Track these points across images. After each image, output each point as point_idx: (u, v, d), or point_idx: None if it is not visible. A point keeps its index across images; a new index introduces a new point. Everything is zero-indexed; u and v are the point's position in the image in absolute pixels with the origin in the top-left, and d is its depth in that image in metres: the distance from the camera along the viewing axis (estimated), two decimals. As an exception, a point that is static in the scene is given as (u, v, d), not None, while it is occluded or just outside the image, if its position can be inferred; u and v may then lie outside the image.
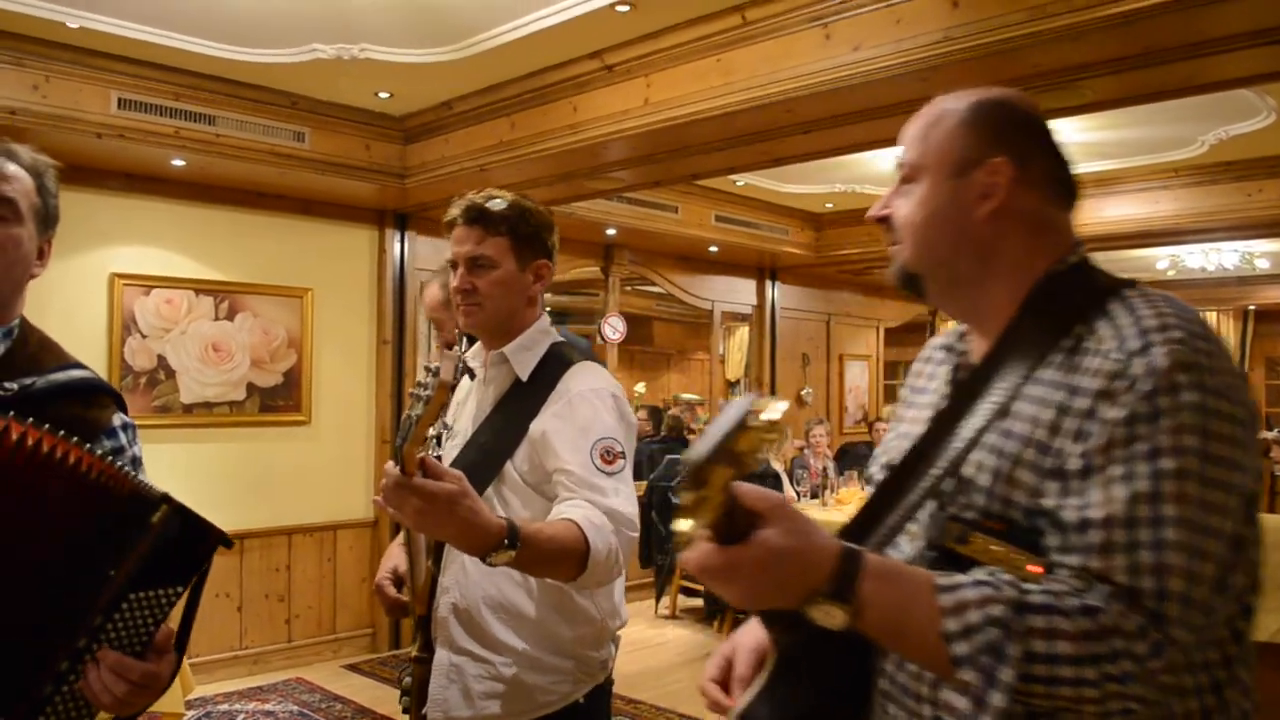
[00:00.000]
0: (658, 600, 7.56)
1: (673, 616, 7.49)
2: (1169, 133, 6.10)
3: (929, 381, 1.43)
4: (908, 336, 12.28)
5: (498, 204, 2.03)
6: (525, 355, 2.06)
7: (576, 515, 1.76)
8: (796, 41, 3.94)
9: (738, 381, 11.33)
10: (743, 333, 10.19)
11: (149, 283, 5.56)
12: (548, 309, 2.21)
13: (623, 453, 1.92)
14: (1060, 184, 1.28)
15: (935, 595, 1.04)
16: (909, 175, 1.30)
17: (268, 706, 5.36)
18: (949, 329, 1.48)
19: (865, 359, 10.65)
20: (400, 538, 2.15)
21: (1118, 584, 1.02)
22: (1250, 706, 1.15)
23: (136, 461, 1.58)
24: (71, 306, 5.26)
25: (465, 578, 1.98)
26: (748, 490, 1.01)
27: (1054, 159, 1.28)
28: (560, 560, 1.72)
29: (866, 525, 1.27)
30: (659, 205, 7.29)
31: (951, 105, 1.29)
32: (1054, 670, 1.00)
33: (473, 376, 2.17)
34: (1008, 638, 1.00)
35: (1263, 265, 10.08)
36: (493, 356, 2.10)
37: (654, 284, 8.82)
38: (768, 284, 9.32)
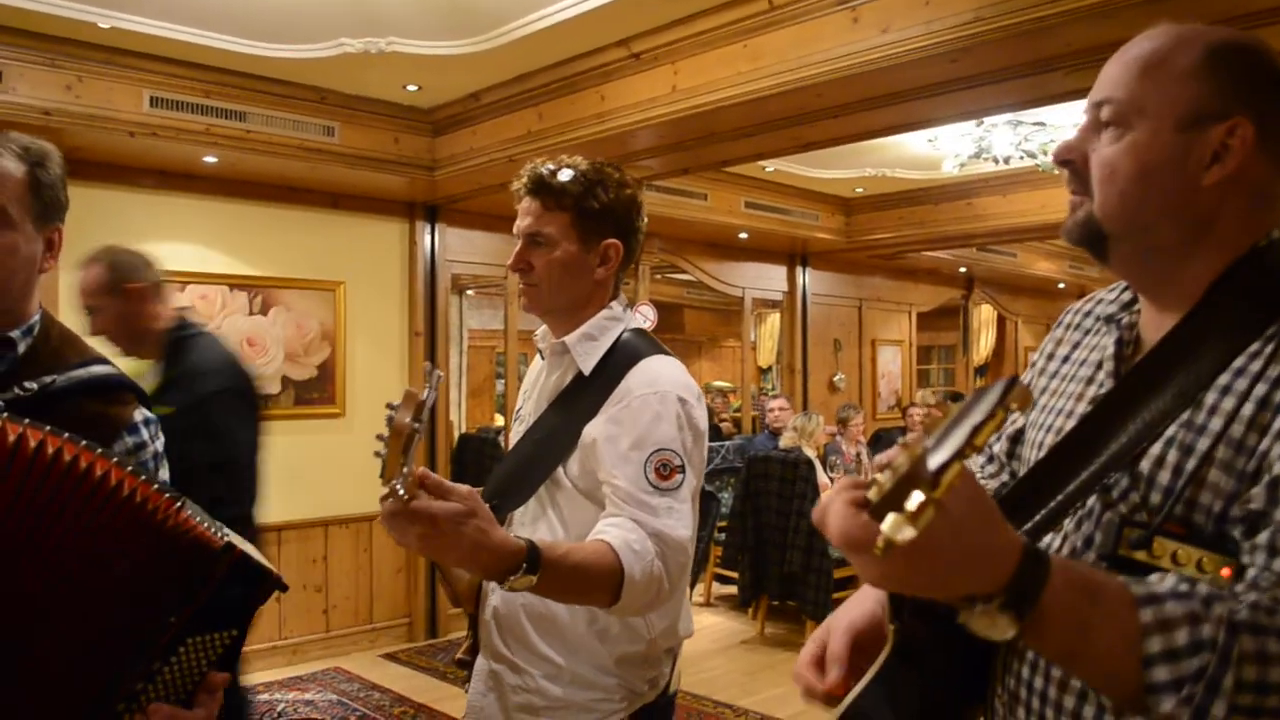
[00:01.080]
0: (691, 587, 7.52)
1: (707, 604, 7.50)
2: (1205, 110, 6.00)
3: (1079, 352, 1.27)
4: (940, 321, 12.20)
5: (565, 175, 1.84)
6: (588, 346, 1.86)
7: (614, 538, 1.61)
8: (824, 25, 3.90)
9: (769, 368, 11.31)
10: (774, 319, 10.17)
11: (183, 279, 5.61)
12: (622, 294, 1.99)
13: (681, 466, 1.72)
14: None
15: (1134, 607, 0.88)
16: (1117, 117, 1.11)
17: (307, 696, 5.43)
18: (1100, 292, 1.31)
19: (898, 344, 10.60)
20: None
21: None
22: None
23: (159, 456, 1.58)
24: (108, 303, 5.31)
25: None
26: None
27: None
28: (589, 588, 1.58)
29: (1013, 514, 1.08)
30: (688, 193, 7.27)
31: (1179, 43, 1.10)
32: (1262, 701, 0.86)
33: (544, 357, 2.00)
34: (1223, 664, 0.86)
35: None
36: (554, 345, 1.92)
37: (684, 272, 8.81)
38: (798, 270, 9.27)
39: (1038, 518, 1.10)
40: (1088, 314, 1.30)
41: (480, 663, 1.90)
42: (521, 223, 1.87)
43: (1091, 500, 1.09)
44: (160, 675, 1.32)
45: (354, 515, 6.24)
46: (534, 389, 2.01)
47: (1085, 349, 1.26)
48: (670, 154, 5.30)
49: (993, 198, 7.81)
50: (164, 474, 1.57)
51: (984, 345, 12.78)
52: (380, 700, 5.38)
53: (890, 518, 0.73)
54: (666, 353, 1.89)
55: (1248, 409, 0.99)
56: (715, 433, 9.54)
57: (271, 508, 5.72)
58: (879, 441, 9.19)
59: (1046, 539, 1.12)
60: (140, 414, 1.57)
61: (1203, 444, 1.01)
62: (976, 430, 0.74)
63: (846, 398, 9.48)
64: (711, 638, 6.65)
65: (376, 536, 6.36)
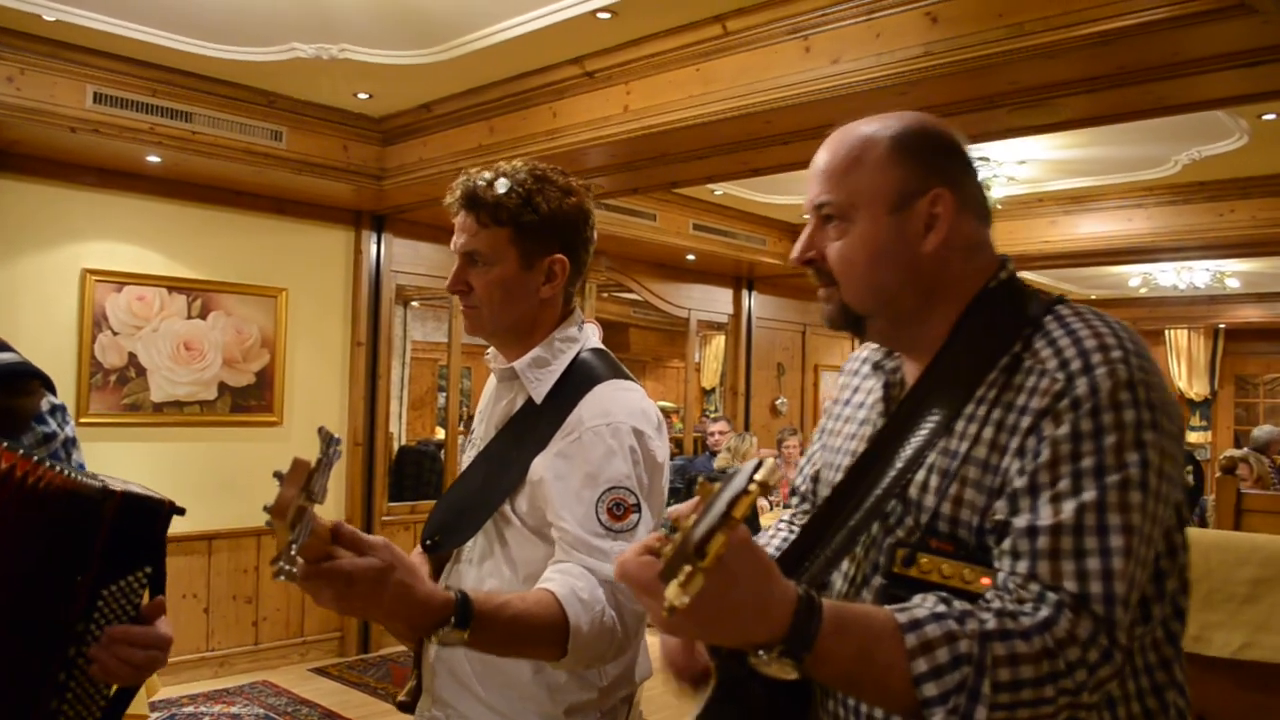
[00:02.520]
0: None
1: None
2: (1143, 152, 6.17)
3: (857, 396, 1.43)
4: (882, 348, 12.32)
5: (500, 186, 1.67)
6: (539, 372, 1.72)
7: (559, 586, 1.48)
8: (776, 53, 3.95)
9: (713, 390, 11.35)
10: (719, 341, 10.22)
11: (121, 279, 5.51)
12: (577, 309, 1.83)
13: (636, 504, 1.59)
14: (982, 203, 1.29)
15: (899, 635, 1.01)
16: (838, 214, 1.25)
17: (233, 709, 5.31)
18: (871, 347, 1.46)
19: (839, 370, 10.68)
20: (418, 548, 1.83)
21: (1067, 591, 1.04)
22: (1185, 704, 1.19)
23: (70, 443, 1.54)
24: (42, 301, 5.20)
25: None
26: None
27: (975, 179, 1.28)
28: (531, 642, 1.45)
29: (807, 549, 1.24)
30: (637, 212, 7.29)
31: (870, 136, 1.25)
32: (1017, 695, 1.00)
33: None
34: (979, 674, 0.99)
35: (1233, 284, 10.21)
36: (503, 370, 1.78)
37: (631, 291, 8.82)
38: (744, 293, 9.33)
39: (831, 548, 1.23)
40: (864, 361, 1.47)
41: (421, 707, 1.78)
42: (457, 240, 1.72)
43: (875, 527, 1.22)
44: (90, 633, 1.31)
45: (288, 525, 6.14)
46: (487, 412, 1.87)
47: (861, 393, 1.43)
48: (621, 173, 5.32)
49: (936, 229, 7.93)
50: (78, 458, 1.54)
51: (924, 374, 12.92)
52: (309, 715, 5.29)
53: (671, 585, 0.83)
54: (626, 375, 1.76)
55: (988, 432, 1.15)
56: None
57: (204, 515, 5.65)
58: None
59: (844, 565, 1.26)
60: (47, 402, 1.53)
61: (956, 466, 1.16)
62: (732, 504, 0.84)
63: (789, 421, 9.54)
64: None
65: (310, 548, 6.27)
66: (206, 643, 5.86)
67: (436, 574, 1.80)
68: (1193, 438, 12.84)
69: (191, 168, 5.39)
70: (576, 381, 1.70)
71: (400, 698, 1.83)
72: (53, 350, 5.15)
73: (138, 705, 3.86)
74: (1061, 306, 1.20)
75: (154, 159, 5.20)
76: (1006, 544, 1.09)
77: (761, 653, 0.97)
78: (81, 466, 1.51)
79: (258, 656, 6.06)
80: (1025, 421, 1.11)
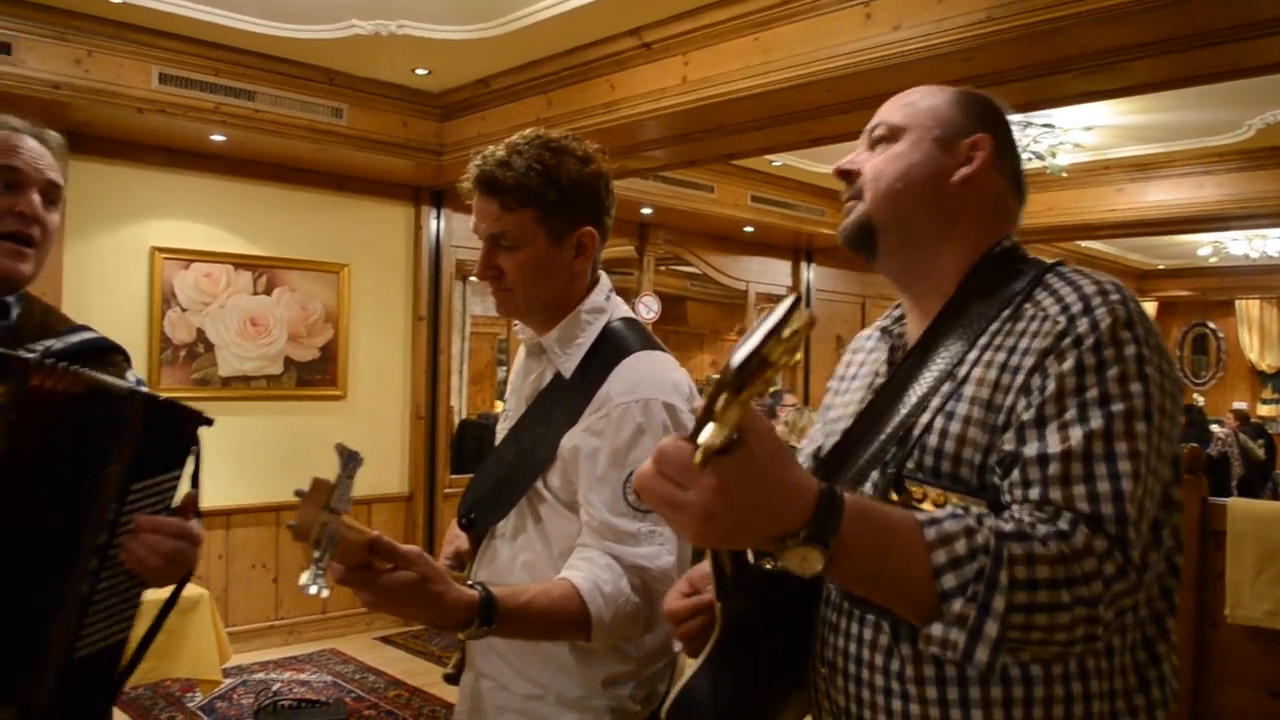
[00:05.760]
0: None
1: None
2: (1214, 116, 5.99)
3: (865, 368, 1.45)
4: (944, 320, 12.18)
5: (517, 164, 1.63)
6: (568, 346, 1.70)
7: (582, 579, 1.50)
8: (836, 20, 3.90)
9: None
10: (777, 314, 10.15)
11: (189, 257, 5.62)
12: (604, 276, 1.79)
13: None
14: (1018, 182, 1.36)
15: (918, 529, 1.03)
16: (887, 135, 1.34)
17: (303, 676, 5.44)
18: (877, 320, 1.51)
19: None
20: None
21: (1080, 511, 1.06)
22: (1176, 660, 1.22)
23: None
24: (112, 279, 5.33)
25: None
26: None
27: (1017, 160, 1.37)
28: (555, 634, 1.53)
29: None
30: (695, 185, 7.26)
31: (934, 90, 1.37)
32: (1033, 596, 1.01)
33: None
34: (996, 564, 1.01)
35: (1308, 252, 9.92)
36: (530, 345, 1.77)
37: (689, 264, 8.80)
38: (803, 265, 9.27)
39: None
40: (869, 336, 1.51)
41: (465, 679, 1.79)
42: (480, 225, 1.69)
43: (874, 473, 1.24)
44: (120, 523, 1.40)
45: (354, 498, 6.21)
46: (517, 385, 1.85)
47: (868, 364, 1.45)
48: (678, 145, 5.29)
49: (1000, 198, 7.80)
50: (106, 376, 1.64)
51: (986, 345, 12.75)
52: (375, 683, 5.40)
53: (707, 428, 0.86)
54: (656, 345, 1.73)
55: (991, 374, 1.18)
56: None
57: (272, 487, 5.76)
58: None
59: None
60: (131, 375, 1.61)
61: (961, 408, 1.18)
62: (773, 332, 0.83)
63: (847, 394, 9.47)
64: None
65: (376, 519, 6.38)
66: (275, 611, 6.00)
67: (474, 549, 1.81)
68: (1264, 410, 12.54)
69: (255, 146, 5.47)
70: (605, 354, 1.67)
71: (449, 670, 1.85)
72: (124, 327, 5.26)
73: (211, 670, 3.98)
74: (1061, 266, 1.26)
75: (218, 138, 5.29)
76: (1016, 474, 1.11)
77: (788, 541, 0.97)
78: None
79: (326, 625, 6.19)
80: (1029, 361, 1.15)
